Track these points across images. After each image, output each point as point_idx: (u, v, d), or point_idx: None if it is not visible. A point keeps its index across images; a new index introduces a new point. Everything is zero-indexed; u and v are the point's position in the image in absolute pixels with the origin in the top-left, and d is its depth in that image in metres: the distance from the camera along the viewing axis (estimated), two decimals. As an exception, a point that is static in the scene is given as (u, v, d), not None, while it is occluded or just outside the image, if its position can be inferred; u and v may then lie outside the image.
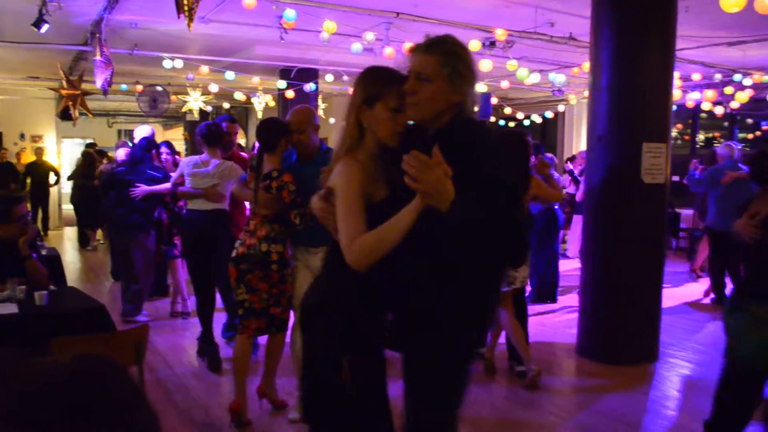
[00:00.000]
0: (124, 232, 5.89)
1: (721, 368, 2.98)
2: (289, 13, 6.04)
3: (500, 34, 6.87)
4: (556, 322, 6.20)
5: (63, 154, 14.43)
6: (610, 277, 5.03)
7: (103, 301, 3.85)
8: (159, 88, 11.58)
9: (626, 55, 4.83)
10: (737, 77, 9.16)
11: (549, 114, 13.96)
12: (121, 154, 6.87)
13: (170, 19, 5.71)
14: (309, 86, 10.17)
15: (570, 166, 9.31)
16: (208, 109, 13.95)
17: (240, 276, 3.58)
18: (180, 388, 4.38)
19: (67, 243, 11.63)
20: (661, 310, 5.10)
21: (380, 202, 2.01)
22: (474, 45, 7.03)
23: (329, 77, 10.04)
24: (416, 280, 2.04)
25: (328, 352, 2.10)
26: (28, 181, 11.94)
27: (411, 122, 2.10)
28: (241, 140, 15.85)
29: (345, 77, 9.91)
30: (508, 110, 13.74)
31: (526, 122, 14.18)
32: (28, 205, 9.66)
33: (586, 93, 5.67)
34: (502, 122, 14.50)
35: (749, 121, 12.35)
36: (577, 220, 8.59)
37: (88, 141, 13.90)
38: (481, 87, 9.95)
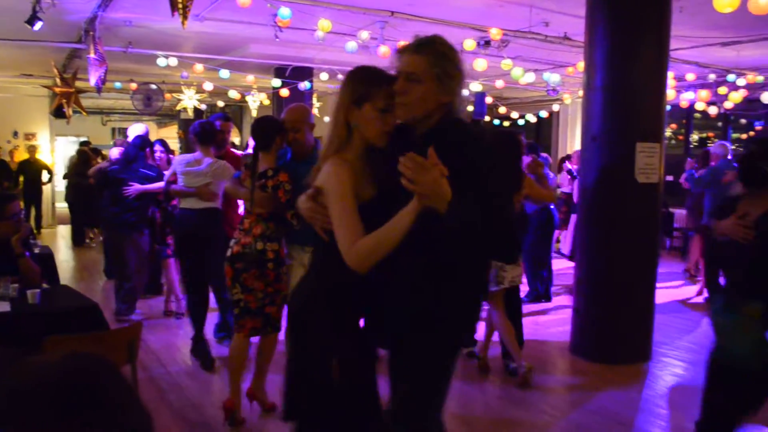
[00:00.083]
0: (118, 230, 5.86)
1: (707, 368, 2.90)
2: (284, 12, 6.02)
3: (495, 33, 6.87)
4: (549, 321, 6.21)
5: (56, 152, 14.37)
6: (604, 276, 5.04)
7: (96, 299, 3.84)
8: (153, 86, 11.53)
9: (620, 55, 4.84)
10: (731, 77, 9.19)
11: (543, 113, 13.98)
12: (115, 152, 6.84)
13: (165, 17, 5.70)
14: (304, 85, 10.15)
15: (569, 165, 9.32)
16: (203, 107, 13.91)
17: (236, 275, 3.57)
18: (173, 387, 4.37)
19: (60, 241, 11.58)
20: (654, 310, 5.11)
21: (368, 202, 2.01)
22: (469, 44, 7.03)
23: (324, 76, 10.03)
24: (413, 280, 2.04)
25: (318, 351, 2.10)
26: (21, 179, 11.86)
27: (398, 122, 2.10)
28: (236, 138, 15.81)
29: (340, 76, 9.88)
30: (502, 110, 13.74)
31: (521, 122, 14.20)
32: (21, 203, 9.58)
33: (581, 92, 5.68)
34: (496, 122, 14.52)
35: (743, 121, 12.39)
36: (576, 220, 8.59)
37: (82, 139, 13.83)
38: (475, 86, 9.94)
